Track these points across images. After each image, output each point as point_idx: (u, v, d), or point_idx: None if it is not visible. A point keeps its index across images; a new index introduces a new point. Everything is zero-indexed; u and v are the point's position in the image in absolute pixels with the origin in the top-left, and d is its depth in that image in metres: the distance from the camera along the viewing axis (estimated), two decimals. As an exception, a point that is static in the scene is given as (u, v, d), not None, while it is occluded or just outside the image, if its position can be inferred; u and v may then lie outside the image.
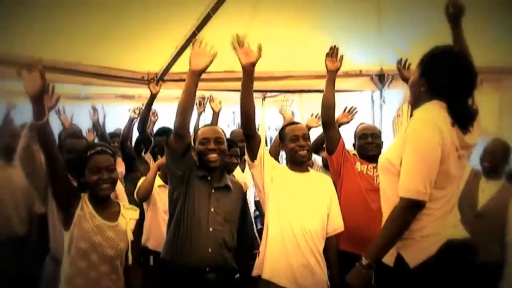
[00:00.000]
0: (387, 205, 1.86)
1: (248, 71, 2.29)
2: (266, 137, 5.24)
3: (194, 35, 3.20)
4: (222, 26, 3.06)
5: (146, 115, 3.86)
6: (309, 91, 4.72)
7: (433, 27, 2.29)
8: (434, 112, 1.78)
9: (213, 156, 2.37)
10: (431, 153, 1.72)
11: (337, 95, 2.79)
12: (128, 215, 2.13)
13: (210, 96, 4.30)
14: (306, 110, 5.26)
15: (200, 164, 2.40)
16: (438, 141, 1.72)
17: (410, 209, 1.74)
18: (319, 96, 2.78)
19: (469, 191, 2.94)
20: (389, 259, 1.86)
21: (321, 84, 2.76)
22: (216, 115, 4.21)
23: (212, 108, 4.24)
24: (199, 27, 3.11)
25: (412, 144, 1.75)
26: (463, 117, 1.79)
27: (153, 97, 3.74)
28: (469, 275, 1.78)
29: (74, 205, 2.00)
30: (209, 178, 2.38)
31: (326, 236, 2.50)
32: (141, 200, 3.08)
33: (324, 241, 2.49)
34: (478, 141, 1.91)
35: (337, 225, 2.54)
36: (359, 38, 3.59)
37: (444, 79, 1.80)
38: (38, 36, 3.00)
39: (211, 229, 2.31)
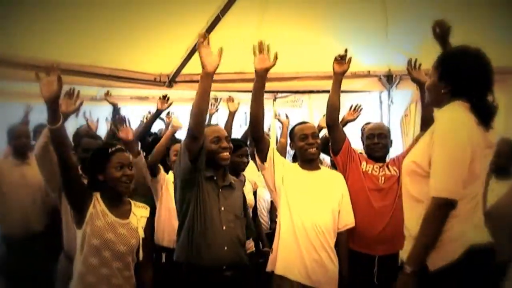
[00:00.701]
0: (414, 206, 1.84)
1: (261, 75, 2.33)
2: (277, 137, 5.26)
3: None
4: (231, 27, 3.10)
5: (147, 127, 3.84)
6: (318, 91, 4.73)
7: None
8: (461, 113, 1.78)
9: (226, 154, 2.39)
10: (463, 152, 1.72)
11: (345, 95, 2.80)
12: (139, 213, 2.17)
13: (229, 97, 4.28)
14: (315, 111, 5.29)
15: (208, 164, 2.37)
16: (468, 141, 1.72)
17: (444, 208, 1.72)
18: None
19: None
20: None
21: (330, 85, 2.79)
22: (231, 115, 4.10)
23: (228, 108, 4.15)
24: (209, 29, 3.12)
25: (443, 144, 1.74)
26: (486, 114, 1.79)
27: (158, 112, 3.72)
28: (490, 280, 1.76)
29: (87, 203, 2.04)
30: (215, 177, 2.39)
31: (337, 232, 2.54)
32: (151, 163, 3.07)
33: (336, 236, 2.53)
34: (497, 138, 1.91)
35: (348, 220, 2.59)
36: (366, 39, 3.58)
37: (464, 79, 1.80)
38: (38, 36, 2.98)
39: (224, 227, 2.32)
